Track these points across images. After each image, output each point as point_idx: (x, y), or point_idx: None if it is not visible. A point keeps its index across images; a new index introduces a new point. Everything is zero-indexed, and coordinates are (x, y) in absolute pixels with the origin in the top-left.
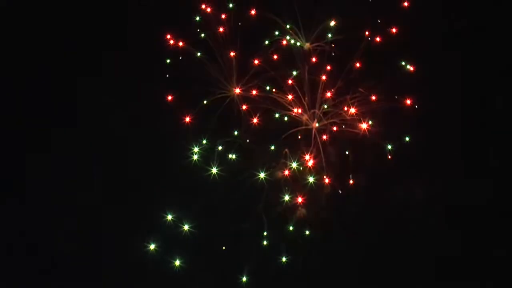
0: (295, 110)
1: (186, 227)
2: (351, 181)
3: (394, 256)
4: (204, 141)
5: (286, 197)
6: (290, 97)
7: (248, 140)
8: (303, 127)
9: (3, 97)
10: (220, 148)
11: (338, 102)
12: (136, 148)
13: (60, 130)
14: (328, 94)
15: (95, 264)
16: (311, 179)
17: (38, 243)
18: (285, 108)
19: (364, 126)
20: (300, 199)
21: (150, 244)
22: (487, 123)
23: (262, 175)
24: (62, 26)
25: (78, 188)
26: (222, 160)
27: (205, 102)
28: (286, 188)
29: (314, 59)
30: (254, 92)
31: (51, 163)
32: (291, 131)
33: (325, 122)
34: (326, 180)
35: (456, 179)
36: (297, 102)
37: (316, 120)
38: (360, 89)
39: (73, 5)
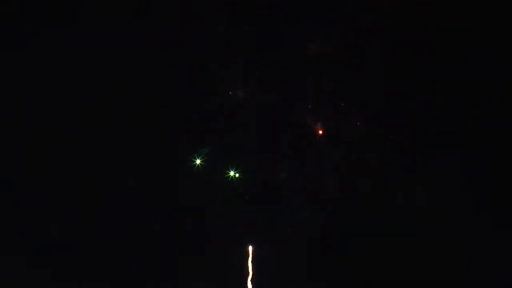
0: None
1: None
2: (353, 187)
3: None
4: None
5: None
6: (309, 106)
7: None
8: (305, 131)
9: (4, 97)
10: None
11: (343, 106)
12: (137, 150)
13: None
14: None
15: (95, 265)
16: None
17: (38, 243)
18: (285, 111)
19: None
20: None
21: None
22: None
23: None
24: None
25: (78, 188)
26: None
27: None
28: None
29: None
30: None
31: (51, 163)
32: (292, 135)
33: (329, 125)
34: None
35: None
36: (300, 105)
37: (320, 123)
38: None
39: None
